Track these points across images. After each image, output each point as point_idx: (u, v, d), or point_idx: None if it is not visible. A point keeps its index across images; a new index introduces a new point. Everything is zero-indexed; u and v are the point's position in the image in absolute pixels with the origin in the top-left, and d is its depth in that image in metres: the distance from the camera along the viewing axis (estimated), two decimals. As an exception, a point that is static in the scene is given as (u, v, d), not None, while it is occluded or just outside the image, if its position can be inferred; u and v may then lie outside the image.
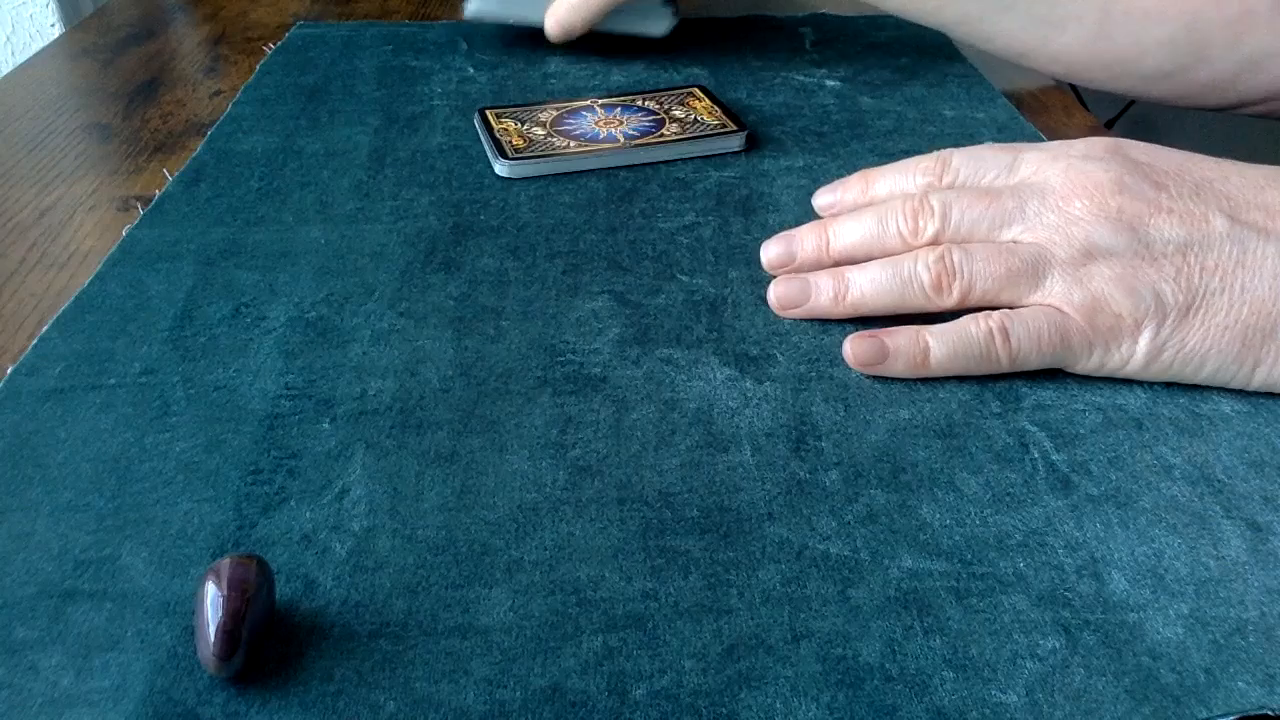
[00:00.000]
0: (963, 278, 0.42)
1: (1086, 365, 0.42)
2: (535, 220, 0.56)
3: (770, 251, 0.49)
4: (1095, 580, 0.35)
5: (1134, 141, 0.44)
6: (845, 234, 0.46)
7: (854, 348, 0.43)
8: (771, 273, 0.49)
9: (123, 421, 0.42)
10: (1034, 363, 0.42)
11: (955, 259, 0.42)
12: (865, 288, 0.44)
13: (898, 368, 0.43)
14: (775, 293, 0.47)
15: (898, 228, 0.44)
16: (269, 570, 0.33)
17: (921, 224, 0.43)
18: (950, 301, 0.42)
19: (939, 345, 0.42)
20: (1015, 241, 0.42)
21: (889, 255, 0.45)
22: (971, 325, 0.42)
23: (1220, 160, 0.43)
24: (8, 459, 0.40)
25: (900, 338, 0.43)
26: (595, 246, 0.54)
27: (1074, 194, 0.41)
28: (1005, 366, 0.42)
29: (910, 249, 0.44)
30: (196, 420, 0.42)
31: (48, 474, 0.40)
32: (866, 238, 0.45)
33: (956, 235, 0.43)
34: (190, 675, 0.32)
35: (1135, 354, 0.41)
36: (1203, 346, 0.40)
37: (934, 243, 0.43)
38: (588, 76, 0.74)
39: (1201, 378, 0.42)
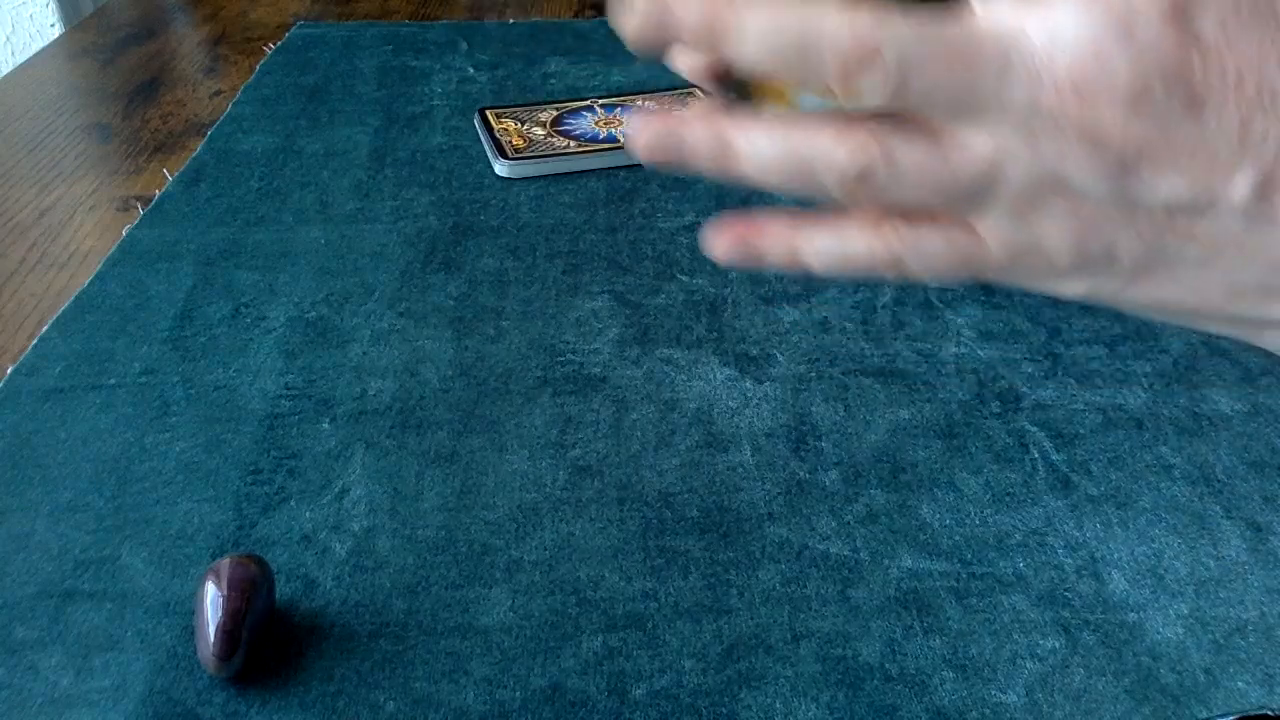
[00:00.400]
0: (885, 195, 0.32)
1: (1009, 282, 0.34)
2: (535, 220, 0.56)
3: (641, 10, 0.30)
4: (1095, 580, 0.35)
5: None
6: (749, 37, 0.30)
7: (722, 250, 0.34)
8: (631, 44, 0.31)
9: (123, 421, 0.42)
10: (939, 283, 0.37)
11: (881, 181, 0.31)
12: (752, 170, 0.32)
13: (772, 269, 0.33)
14: (636, 136, 0.32)
15: (826, 72, 0.30)
16: (269, 570, 0.33)
17: (863, 82, 0.29)
18: (868, 209, 0.33)
19: (819, 265, 0.33)
20: (958, 146, 0.31)
21: (802, 87, 0.32)
22: (858, 247, 0.33)
23: None
24: (8, 459, 0.40)
25: (774, 245, 0.34)
26: (595, 246, 0.54)
27: (1075, 87, 0.30)
28: (899, 282, 0.37)
29: (831, 93, 0.31)
30: (196, 420, 0.42)
31: (48, 474, 0.40)
32: (777, 57, 0.30)
33: (915, 106, 0.31)
34: (190, 675, 0.32)
35: (1061, 292, 0.34)
36: (1146, 305, 0.33)
37: (874, 114, 0.31)
38: (588, 76, 0.74)
39: (1144, 315, 0.35)
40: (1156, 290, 0.33)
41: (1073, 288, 0.34)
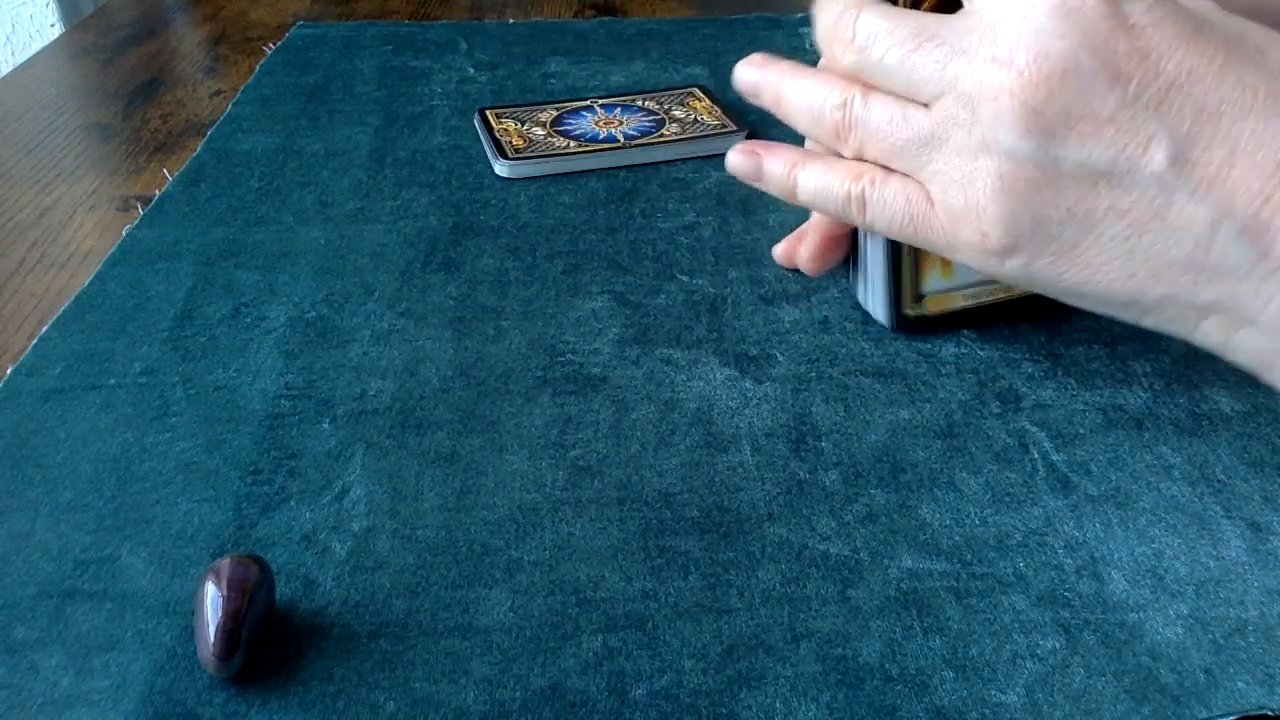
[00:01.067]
0: (856, 134, 0.38)
1: (955, 259, 0.39)
2: (535, 220, 0.56)
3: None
4: (1095, 580, 0.35)
5: None
6: (820, 21, 0.40)
7: (733, 159, 0.43)
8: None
9: (123, 421, 0.42)
10: (894, 237, 0.40)
11: (854, 113, 0.38)
12: (790, 108, 0.41)
13: (770, 189, 0.43)
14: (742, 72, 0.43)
15: (829, 48, 0.39)
16: (269, 570, 0.33)
17: (839, 52, 0.38)
18: (848, 152, 0.40)
19: (805, 189, 0.41)
20: (921, 107, 0.37)
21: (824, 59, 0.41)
22: (836, 182, 0.40)
23: (1248, 42, 0.33)
24: (8, 459, 0.40)
25: (776, 164, 0.42)
26: (595, 246, 0.54)
27: (1009, 61, 0.33)
28: (864, 228, 0.41)
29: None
30: (196, 420, 0.42)
31: (48, 474, 0.40)
32: (823, 34, 0.40)
33: (872, 78, 0.38)
34: (190, 675, 0.32)
35: (1001, 272, 0.37)
36: (1080, 287, 0.35)
37: (853, 74, 0.39)
38: (587, 77, 0.74)
39: (1086, 306, 0.37)
40: (1087, 269, 0.35)
41: (1009, 270, 0.36)
